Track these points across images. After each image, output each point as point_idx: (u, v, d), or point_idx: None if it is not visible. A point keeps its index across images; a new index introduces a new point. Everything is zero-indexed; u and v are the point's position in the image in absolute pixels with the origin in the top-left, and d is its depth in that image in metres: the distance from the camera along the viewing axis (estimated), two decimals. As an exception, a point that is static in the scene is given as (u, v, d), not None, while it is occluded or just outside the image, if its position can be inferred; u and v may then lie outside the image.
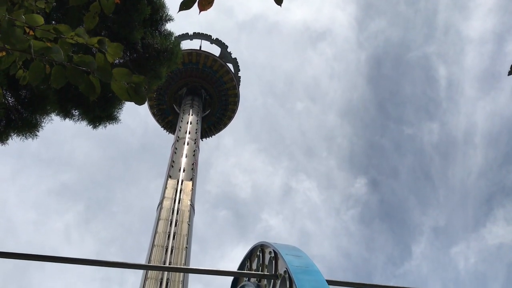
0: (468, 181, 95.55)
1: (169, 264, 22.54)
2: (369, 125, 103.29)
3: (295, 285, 6.00)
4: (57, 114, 10.20)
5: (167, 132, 45.28)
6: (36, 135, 9.20)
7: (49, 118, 9.45)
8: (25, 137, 9.02)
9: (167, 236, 24.63)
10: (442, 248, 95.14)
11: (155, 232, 24.94)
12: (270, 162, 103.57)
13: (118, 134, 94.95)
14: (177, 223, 25.61)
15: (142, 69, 10.78)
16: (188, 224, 26.11)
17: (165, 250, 23.59)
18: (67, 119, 10.39)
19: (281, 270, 7.00)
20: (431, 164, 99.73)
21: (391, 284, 7.01)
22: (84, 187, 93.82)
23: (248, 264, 8.76)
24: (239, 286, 8.87)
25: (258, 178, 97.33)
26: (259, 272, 7.71)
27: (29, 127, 8.93)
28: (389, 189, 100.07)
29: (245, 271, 8.36)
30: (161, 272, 21.82)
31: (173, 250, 23.65)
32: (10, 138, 9.00)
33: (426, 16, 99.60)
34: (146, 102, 44.06)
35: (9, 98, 8.82)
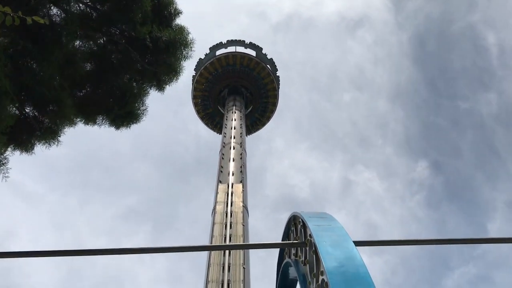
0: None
1: (228, 269, 22.54)
2: (421, 105, 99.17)
3: (315, 243, 5.57)
4: (81, 120, 10.40)
5: (217, 133, 47.32)
6: (59, 141, 9.38)
7: (70, 123, 9.61)
8: (49, 144, 9.23)
9: (223, 238, 24.77)
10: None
11: (212, 236, 25.19)
12: (325, 158, 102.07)
13: (173, 152, 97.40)
14: (232, 225, 25.72)
15: (155, 64, 10.78)
16: (243, 225, 26.06)
17: (223, 252, 23.70)
18: (90, 124, 10.56)
19: (308, 236, 6.60)
20: (494, 136, 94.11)
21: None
22: (149, 208, 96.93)
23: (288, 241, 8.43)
24: (282, 264, 8.62)
25: (315, 175, 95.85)
26: (287, 241, 7.31)
27: (50, 134, 9.12)
28: (453, 168, 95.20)
29: (271, 242, 7.96)
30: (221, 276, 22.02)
31: (231, 252, 23.71)
32: (35, 147, 9.25)
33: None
34: (193, 109, 46.69)
35: (28, 108, 9.07)
